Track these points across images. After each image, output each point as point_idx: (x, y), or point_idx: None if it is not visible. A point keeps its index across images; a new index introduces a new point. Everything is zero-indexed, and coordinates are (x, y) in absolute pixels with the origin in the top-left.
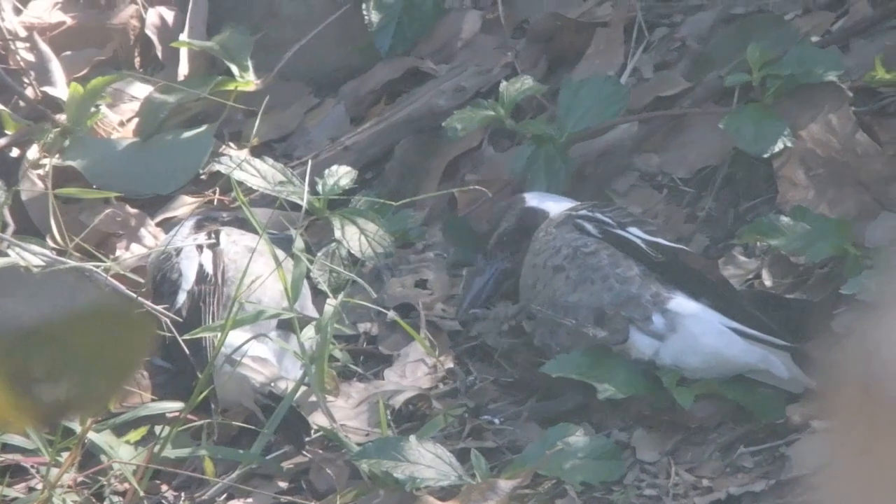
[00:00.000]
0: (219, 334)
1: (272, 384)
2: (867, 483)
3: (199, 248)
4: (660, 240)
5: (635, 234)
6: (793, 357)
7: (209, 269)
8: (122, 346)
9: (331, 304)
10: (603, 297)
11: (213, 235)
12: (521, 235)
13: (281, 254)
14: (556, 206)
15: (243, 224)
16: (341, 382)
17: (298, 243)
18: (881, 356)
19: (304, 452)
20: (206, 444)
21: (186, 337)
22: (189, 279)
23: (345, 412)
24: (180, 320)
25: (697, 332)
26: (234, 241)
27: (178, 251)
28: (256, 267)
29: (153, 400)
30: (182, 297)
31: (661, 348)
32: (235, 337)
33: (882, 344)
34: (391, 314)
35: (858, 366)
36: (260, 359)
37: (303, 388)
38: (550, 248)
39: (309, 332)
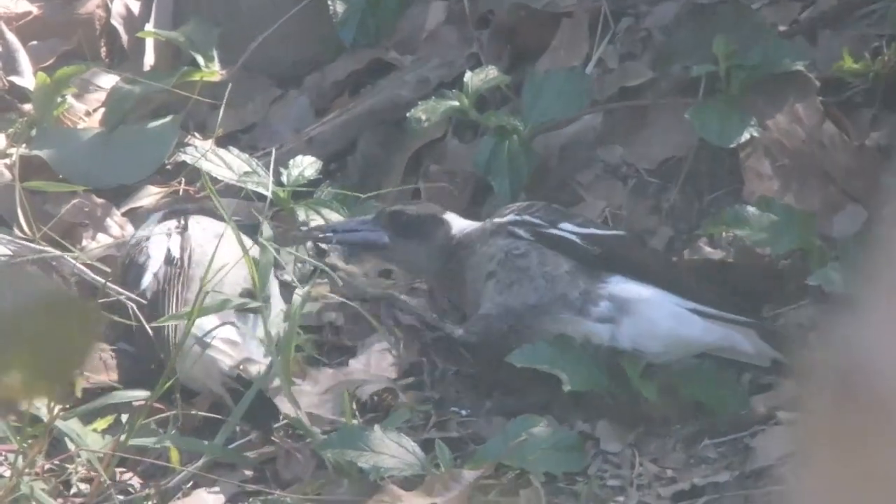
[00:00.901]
0: (183, 320)
1: (241, 367)
2: (841, 482)
3: (168, 233)
4: (593, 230)
5: (568, 229)
6: (757, 332)
7: (176, 252)
8: (71, 336)
9: (299, 293)
10: (529, 298)
11: (182, 221)
12: (413, 230)
13: (248, 241)
14: (461, 223)
15: (211, 215)
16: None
17: (266, 231)
18: (859, 353)
19: (272, 439)
20: (172, 432)
21: (155, 324)
22: (157, 262)
23: (310, 399)
24: (144, 302)
25: (653, 316)
26: (202, 228)
27: (148, 237)
28: (223, 252)
29: (116, 386)
30: (148, 279)
31: (616, 332)
32: (202, 320)
33: (860, 341)
34: (356, 305)
35: (833, 362)
36: (229, 341)
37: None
38: (486, 257)
39: (277, 320)
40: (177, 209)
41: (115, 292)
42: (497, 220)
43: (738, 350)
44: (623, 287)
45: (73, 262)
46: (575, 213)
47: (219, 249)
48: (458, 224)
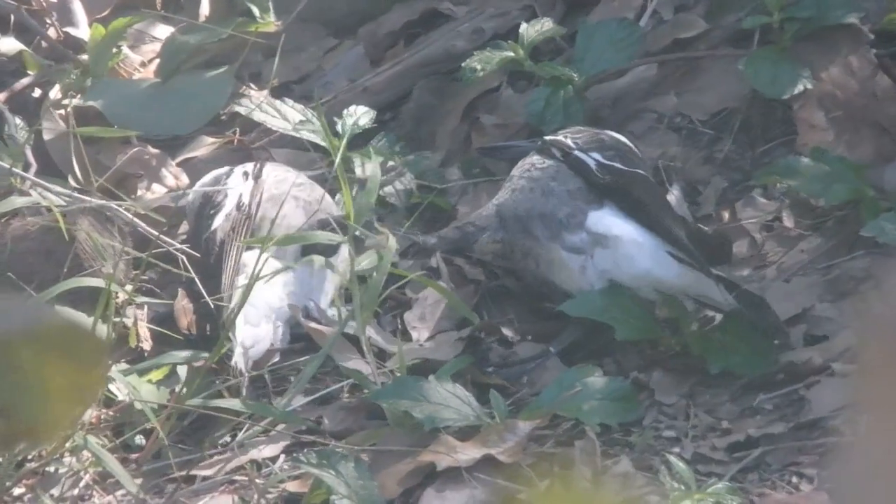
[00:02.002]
0: (241, 263)
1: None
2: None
3: (245, 174)
4: (616, 164)
5: (593, 156)
6: (725, 285)
7: (246, 198)
8: (75, 369)
9: (387, 233)
10: (520, 206)
11: (258, 166)
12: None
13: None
14: None
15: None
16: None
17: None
18: None
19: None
20: (223, 386)
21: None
22: (231, 202)
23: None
24: (197, 256)
25: (633, 253)
26: (277, 177)
27: (229, 174)
28: (289, 207)
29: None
30: (220, 220)
31: (588, 264)
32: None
33: None
34: (416, 276)
35: (888, 313)
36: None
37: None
38: (518, 167)
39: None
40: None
41: (165, 244)
42: (547, 136)
43: (707, 296)
44: (607, 221)
45: (126, 213)
46: (618, 147)
47: (289, 199)
48: None
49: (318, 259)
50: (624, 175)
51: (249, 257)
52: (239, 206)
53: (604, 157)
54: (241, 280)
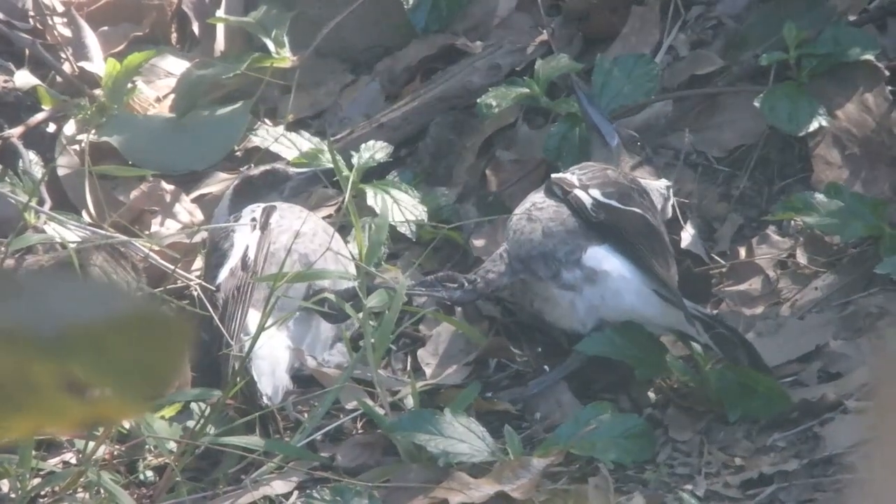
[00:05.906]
0: (246, 320)
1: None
2: None
3: (253, 222)
4: (613, 202)
5: (592, 194)
6: (703, 325)
7: (252, 253)
8: (159, 351)
9: (398, 271)
10: (522, 248)
11: (266, 213)
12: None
13: (328, 232)
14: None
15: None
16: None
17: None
18: None
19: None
20: (236, 422)
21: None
22: (237, 255)
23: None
24: (213, 289)
25: (620, 289)
26: (282, 228)
27: (238, 217)
28: (301, 247)
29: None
30: (224, 273)
31: (576, 300)
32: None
33: None
34: (430, 312)
35: None
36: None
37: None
38: (523, 205)
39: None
40: (246, 178)
41: (184, 279)
42: (553, 174)
43: (688, 334)
44: (599, 257)
45: (143, 247)
46: (619, 183)
47: (298, 242)
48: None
49: (329, 297)
50: (618, 213)
51: (253, 317)
52: (244, 264)
53: (603, 194)
54: (251, 324)
